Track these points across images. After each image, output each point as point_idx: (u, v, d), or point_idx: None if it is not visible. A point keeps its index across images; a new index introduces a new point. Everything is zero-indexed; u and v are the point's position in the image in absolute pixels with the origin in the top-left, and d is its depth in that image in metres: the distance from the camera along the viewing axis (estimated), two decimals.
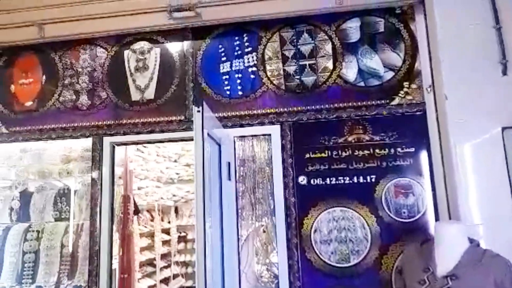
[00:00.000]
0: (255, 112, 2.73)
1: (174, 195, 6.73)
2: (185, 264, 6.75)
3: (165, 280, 6.06)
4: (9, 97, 3.00)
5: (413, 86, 2.60)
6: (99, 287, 2.64)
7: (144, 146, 5.53)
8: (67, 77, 2.96)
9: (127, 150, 3.51)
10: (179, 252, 6.78)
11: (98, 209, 2.74)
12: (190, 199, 7.03)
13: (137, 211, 3.57)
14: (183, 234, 6.88)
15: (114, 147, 2.87)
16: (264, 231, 2.87)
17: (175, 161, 7.00)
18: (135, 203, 3.33)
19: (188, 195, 7.01)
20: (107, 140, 2.83)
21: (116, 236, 2.87)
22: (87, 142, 2.85)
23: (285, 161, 2.63)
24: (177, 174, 6.99)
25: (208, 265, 1.85)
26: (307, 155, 2.62)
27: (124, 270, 2.78)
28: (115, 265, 3.03)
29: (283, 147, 2.65)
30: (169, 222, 6.50)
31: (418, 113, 2.56)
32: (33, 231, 2.87)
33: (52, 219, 2.89)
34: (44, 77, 2.98)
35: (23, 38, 2.86)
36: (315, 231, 2.53)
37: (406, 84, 2.61)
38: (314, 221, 2.54)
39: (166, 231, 6.26)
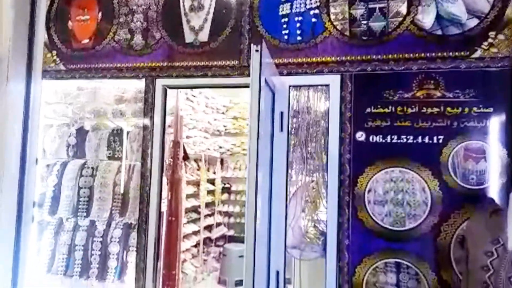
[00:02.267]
0: (314, 59, 2.53)
1: (220, 147, 6.78)
2: (228, 214, 6.91)
3: (208, 227, 6.26)
4: (67, 34, 3.01)
5: (500, 37, 2.26)
6: (148, 227, 2.70)
7: (194, 96, 5.51)
8: (122, 15, 2.89)
9: (178, 96, 3.47)
10: (223, 202, 6.93)
11: (149, 152, 2.74)
12: (236, 152, 7.06)
13: (186, 157, 3.58)
14: (227, 185, 7.00)
15: (166, 90, 2.81)
16: (313, 188, 2.77)
17: (223, 113, 6.98)
18: (184, 149, 3.34)
19: (234, 148, 7.03)
20: (159, 83, 2.78)
21: (165, 181, 2.88)
22: (140, 84, 2.81)
23: (343, 115, 2.45)
24: (224, 126, 6.99)
25: (258, 217, 1.79)
26: (368, 110, 2.42)
27: (171, 213, 2.83)
28: (163, 208, 3.08)
29: (342, 99, 2.46)
30: (214, 173, 6.60)
31: (502, 68, 2.24)
32: (88, 167, 2.96)
33: (105, 157, 2.96)
34: (100, 14, 2.94)
35: None
36: (369, 190, 2.38)
37: (492, 34, 2.27)
38: (369, 181, 2.38)
39: (211, 181, 6.38)
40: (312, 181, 2.73)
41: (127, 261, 2.79)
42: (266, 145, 2.15)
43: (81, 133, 3.02)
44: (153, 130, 2.76)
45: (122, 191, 2.85)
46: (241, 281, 5.20)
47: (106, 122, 3.03)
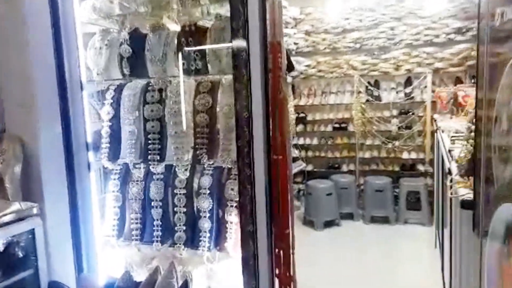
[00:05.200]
0: None
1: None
2: (305, 147, 5.98)
3: None
4: None
5: None
6: (254, 171, 1.76)
7: None
8: None
9: None
10: (298, 134, 5.96)
11: (243, 56, 1.71)
12: (310, 75, 5.90)
13: (291, 67, 2.53)
14: (301, 115, 5.97)
15: None
16: None
17: (293, 28, 5.74)
18: (288, 57, 2.25)
19: (308, 70, 5.87)
20: None
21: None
22: None
23: None
24: (296, 44, 5.79)
25: None
26: None
27: (276, 150, 1.85)
28: None
29: None
30: None
31: None
32: (153, 90, 2.00)
33: (176, 71, 1.97)
34: None
35: None
36: None
37: None
38: None
39: None
40: None
41: (226, 220, 1.91)
42: None
43: (137, 38, 2.03)
44: (246, 22, 1.70)
45: (207, 121, 1.90)
46: (331, 221, 4.49)
47: (168, 19, 2.00)
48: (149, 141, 2.01)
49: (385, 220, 5.15)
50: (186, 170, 1.96)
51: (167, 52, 1.92)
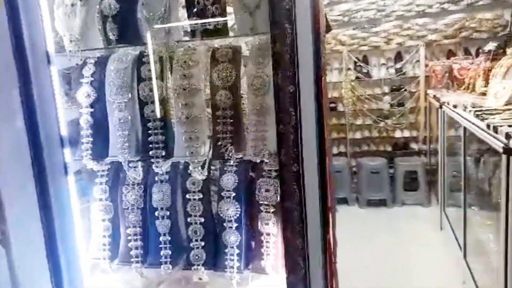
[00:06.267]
0: None
1: None
2: None
3: None
4: None
5: None
6: (303, 167, 1.30)
7: None
8: None
9: None
10: None
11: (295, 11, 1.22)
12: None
13: (329, 28, 2.06)
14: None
15: None
16: None
17: None
18: (326, 18, 1.77)
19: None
20: None
21: None
22: None
23: None
24: None
25: None
26: None
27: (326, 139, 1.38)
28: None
29: None
30: None
31: None
32: (148, 62, 1.47)
33: (181, 35, 1.45)
34: None
35: None
36: None
37: None
38: None
39: None
40: None
41: (261, 231, 1.45)
42: None
43: None
44: None
45: (231, 100, 1.40)
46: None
47: None
48: (149, 131, 1.49)
49: (382, 203, 4.89)
50: (202, 167, 1.47)
51: (170, 6, 1.39)
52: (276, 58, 1.25)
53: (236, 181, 1.46)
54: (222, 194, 1.48)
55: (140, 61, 1.49)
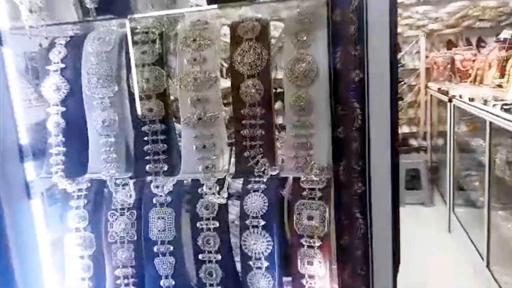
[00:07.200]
0: None
1: None
2: (283, 128, 5.21)
3: None
4: None
5: None
6: (371, 186, 0.92)
7: None
8: None
9: None
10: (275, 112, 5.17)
11: None
12: None
13: None
14: (279, 90, 5.13)
15: None
16: None
17: None
18: None
19: None
20: None
21: None
22: None
23: None
24: None
25: None
26: None
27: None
28: None
29: None
30: None
31: None
32: (146, 41, 1.05)
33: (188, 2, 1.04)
34: None
35: None
36: None
37: None
38: None
39: None
40: None
41: (302, 273, 1.06)
42: None
43: None
44: None
45: (261, 93, 1.01)
46: None
47: None
48: (145, 138, 1.08)
49: None
50: (220, 188, 1.06)
51: None
52: (336, 31, 0.86)
53: (266, 204, 1.07)
54: (246, 222, 1.08)
55: (131, 40, 1.07)
